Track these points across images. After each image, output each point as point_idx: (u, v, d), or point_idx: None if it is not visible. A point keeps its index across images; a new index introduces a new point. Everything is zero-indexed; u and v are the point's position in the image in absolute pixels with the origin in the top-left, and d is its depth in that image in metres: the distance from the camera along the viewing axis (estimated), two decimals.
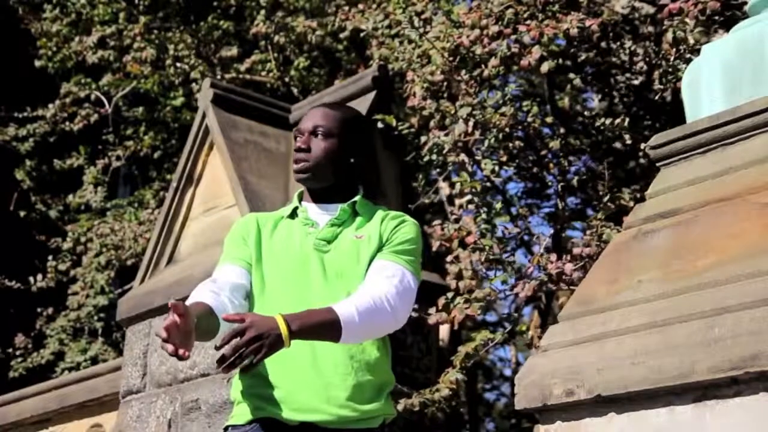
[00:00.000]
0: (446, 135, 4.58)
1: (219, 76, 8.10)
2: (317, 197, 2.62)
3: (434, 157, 4.66)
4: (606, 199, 4.56)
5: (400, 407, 4.13)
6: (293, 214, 2.64)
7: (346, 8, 7.16)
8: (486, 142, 4.56)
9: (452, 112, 4.58)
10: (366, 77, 5.15)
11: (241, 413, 2.49)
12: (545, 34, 4.40)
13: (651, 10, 5.55)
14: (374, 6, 6.23)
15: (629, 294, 2.75)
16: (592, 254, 4.15)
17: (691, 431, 2.43)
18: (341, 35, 7.66)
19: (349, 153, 2.61)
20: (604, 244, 4.12)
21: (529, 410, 2.76)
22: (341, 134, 2.60)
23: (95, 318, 8.55)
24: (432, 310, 4.28)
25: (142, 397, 5.14)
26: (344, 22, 6.77)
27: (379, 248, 2.54)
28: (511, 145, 4.64)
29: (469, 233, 4.36)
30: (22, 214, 9.69)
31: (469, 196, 4.92)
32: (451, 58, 4.60)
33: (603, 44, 5.39)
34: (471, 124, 4.46)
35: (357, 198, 2.61)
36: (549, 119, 4.73)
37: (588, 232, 4.38)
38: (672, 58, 4.47)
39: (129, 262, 8.04)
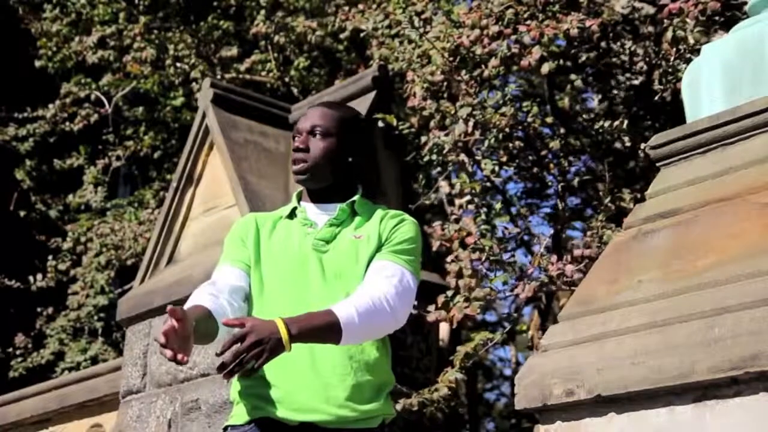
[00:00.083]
0: (446, 135, 4.58)
1: (219, 76, 8.10)
2: (316, 197, 2.62)
3: (434, 157, 4.66)
4: (607, 200, 4.56)
5: (399, 407, 4.13)
6: (292, 215, 2.63)
7: (346, 8, 7.16)
8: (486, 142, 4.56)
9: (452, 112, 4.58)
10: (366, 77, 5.15)
11: (241, 413, 2.49)
12: (545, 35, 4.40)
13: (651, 10, 5.55)
14: (374, 6, 6.23)
15: (629, 294, 2.75)
16: (592, 255, 4.15)
17: (691, 431, 2.43)
18: (341, 35, 7.66)
19: (348, 152, 2.60)
20: (604, 245, 4.12)
21: (529, 410, 2.76)
22: (339, 134, 2.59)
23: (95, 318, 8.55)
24: (431, 308, 4.28)
25: (142, 397, 5.14)
26: (344, 22, 6.77)
27: (379, 248, 2.54)
28: (511, 145, 4.64)
29: (469, 234, 4.36)
30: (22, 214, 9.70)
31: (469, 197, 4.92)
32: (451, 58, 4.60)
33: (603, 44, 5.39)
34: (471, 124, 4.46)
35: (356, 198, 2.61)
36: (549, 119, 4.74)
37: (588, 233, 4.38)
38: (672, 58, 4.47)
39: (129, 262, 8.04)
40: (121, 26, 8.73)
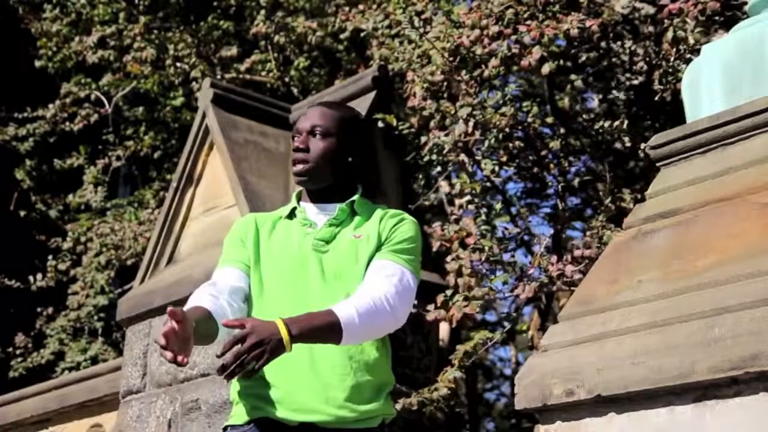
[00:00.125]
0: (446, 135, 4.58)
1: (219, 76, 8.10)
2: (316, 197, 2.62)
3: (434, 157, 4.66)
4: (607, 200, 4.56)
5: (398, 407, 4.13)
6: (291, 215, 2.63)
7: (346, 9, 7.16)
8: (486, 142, 4.56)
9: (452, 112, 4.58)
10: (366, 77, 5.15)
11: (240, 413, 2.49)
12: (545, 35, 4.40)
13: (651, 10, 5.55)
14: (374, 6, 6.23)
15: (629, 294, 2.75)
16: (592, 256, 4.15)
17: (691, 431, 2.43)
18: (341, 36, 7.66)
19: (348, 152, 2.60)
20: (604, 245, 4.12)
21: (529, 410, 2.76)
22: (339, 134, 2.59)
23: (95, 318, 8.55)
24: (431, 307, 4.28)
25: (142, 397, 5.14)
26: (344, 22, 6.77)
27: (378, 247, 2.53)
28: (511, 145, 4.64)
29: (469, 234, 4.36)
30: (22, 213, 9.69)
31: (469, 197, 4.92)
32: (451, 59, 4.60)
33: (603, 44, 5.39)
34: (471, 124, 4.46)
35: (355, 197, 2.61)
36: (549, 119, 4.74)
37: (588, 233, 4.38)
38: (672, 59, 4.47)
39: (129, 262, 8.04)
40: (121, 26, 8.72)
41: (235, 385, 2.53)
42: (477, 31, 4.55)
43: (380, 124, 4.76)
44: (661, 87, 4.64)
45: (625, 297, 2.75)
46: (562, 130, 4.92)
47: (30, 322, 8.69)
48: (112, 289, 8.48)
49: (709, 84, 3.10)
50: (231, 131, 5.28)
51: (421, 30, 4.74)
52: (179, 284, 4.95)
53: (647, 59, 5.23)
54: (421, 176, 7.49)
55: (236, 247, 2.60)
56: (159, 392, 5.03)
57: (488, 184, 4.90)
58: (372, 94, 5.05)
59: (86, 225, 8.67)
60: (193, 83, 8.13)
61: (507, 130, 4.51)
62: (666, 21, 4.50)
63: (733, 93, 3.02)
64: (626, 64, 5.48)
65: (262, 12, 8.22)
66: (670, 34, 4.37)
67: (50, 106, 9.06)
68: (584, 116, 5.83)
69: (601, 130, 4.75)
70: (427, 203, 7.36)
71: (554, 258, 4.29)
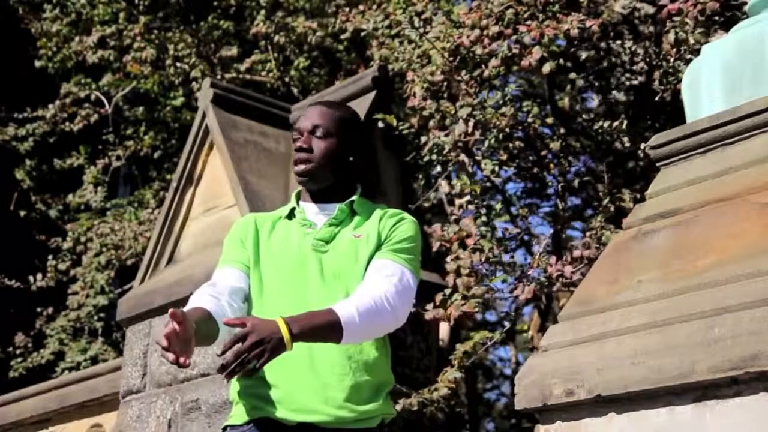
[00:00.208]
0: (446, 135, 4.58)
1: (219, 76, 8.10)
2: (315, 197, 2.62)
3: (434, 157, 4.66)
4: (606, 201, 4.56)
5: (398, 407, 4.13)
6: (291, 215, 2.63)
7: (347, 9, 7.16)
8: (486, 143, 4.56)
9: (452, 112, 4.58)
10: (366, 77, 5.15)
11: (240, 413, 2.49)
12: (546, 35, 4.40)
13: (651, 10, 5.55)
14: (374, 6, 6.23)
15: (629, 294, 2.75)
16: (591, 256, 4.15)
17: (691, 431, 2.43)
18: (342, 36, 7.66)
19: (348, 152, 2.60)
20: (603, 246, 4.12)
21: (529, 410, 2.76)
22: (340, 133, 2.59)
23: (95, 318, 8.55)
24: (429, 306, 4.28)
25: (142, 397, 5.14)
26: (345, 23, 6.77)
27: (378, 247, 2.54)
28: (511, 145, 4.64)
29: (468, 235, 4.36)
30: (22, 213, 9.69)
31: (469, 197, 4.92)
32: (451, 59, 4.60)
33: (603, 45, 5.39)
34: (471, 124, 4.46)
35: (355, 197, 2.61)
36: (549, 120, 4.74)
37: (587, 234, 4.38)
38: (672, 59, 4.47)
39: (129, 262, 8.04)
40: (121, 26, 8.72)
41: (234, 385, 2.53)
42: (477, 31, 4.55)
43: (380, 124, 4.75)
44: (661, 87, 4.64)
45: (625, 297, 2.75)
46: (562, 131, 4.92)
47: (30, 322, 8.69)
48: (112, 289, 8.48)
49: (709, 84, 3.10)
50: (231, 131, 5.28)
51: (421, 30, 4.75)
52: (179, 284, 4.95)
53: (647, 59, 5.23)
54: (421, 176, 7.48)
55: (236, 247, 2.60)
56: (159, 392, 5.03)
57: (488, 184, 4.90)
58: (372, 94, 5.05)
59: (86, 225, 8.67)
60: (193, 83, 8.13)
61: (507, 130, 4.51)
62: (668, 22, 4.50)
63: (733, 93, 3.02)
64: (626, 64, 5.48)
65: (262, 12, 8.22)
66: (671, 35, 4.37)
67: (50, 106, 9.06)
68: (584, 116, 5.83)
69: (600, 131, 4.76)
70: (426, 205, 7.36)
71: (553, 259, 4.29)
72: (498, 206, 4.52)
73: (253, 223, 2.62)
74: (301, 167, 2.57)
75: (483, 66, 4.59)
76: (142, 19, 8.60)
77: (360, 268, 2.51)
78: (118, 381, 5.42)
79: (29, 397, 6.53)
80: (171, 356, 2.15)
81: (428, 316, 4.27)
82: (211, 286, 2.52)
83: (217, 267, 2.61)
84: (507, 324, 6.18)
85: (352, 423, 2.45)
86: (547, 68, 4.48)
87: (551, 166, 4.88)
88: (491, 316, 12.83)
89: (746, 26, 3.14)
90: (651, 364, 2.48)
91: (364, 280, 2.48)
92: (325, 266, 2.51)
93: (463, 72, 4.61)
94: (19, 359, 8.60)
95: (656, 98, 4.67)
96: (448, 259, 4.44)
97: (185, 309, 2.30)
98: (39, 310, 8.69)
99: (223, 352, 2.20)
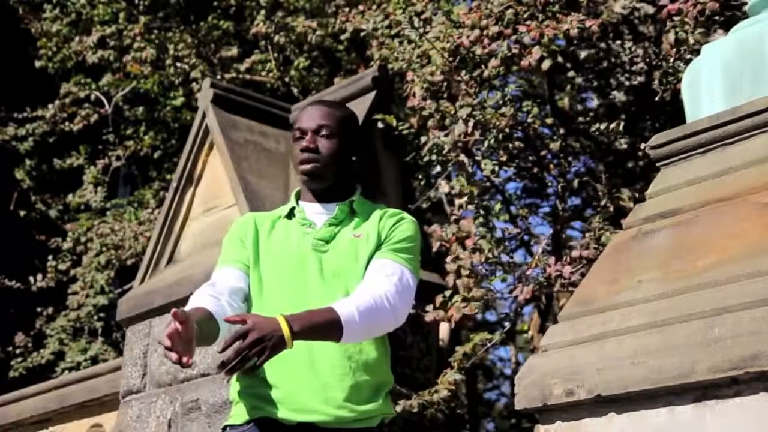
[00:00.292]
0: (446, 135, 4.58)
1: (219, 76, 8.10)
2: (316, 197, 2.62)
3: (434, 157, 4.66)
4: (605, 201, 4.56)
5: (398, 409, 4.13)
6: (290, 214, 2.63)
7: (346, 9, 7.16)
8: (486, 143, 4.56)
9: (452, 112, 4.58)
10: (366, 77, 5.15)
11: (240, 413, 2.49)
12: (545, 35, 4.40)
13: (650, 10, 5.55)
14: (374, 6, 6.23)
15: (629, 294, 2.75)
16: (590, 257, 4.16)
17: (691, 431, 2.43)
18: (342, 36, 7.66)
19: (351, 152, 2.61)
20: (602, 246, 4.12)
21: (529, 410, 2.76)
22: (342, 133, 2.60)
23: (95, 318, 8.55)
24: (429, 308, 4.28)
25: (142, 397, 5.14)
26: (345, 23, 6.77)
27: (378, 246, 2.54)
28: (510, 145, 4.64)
29: (468, 235, 4.36)
30: (22, 213, 9.69)
31: (467, 198, 4.92)
32: (451, 59, 4.60)
33: (603, 45, 5.39)
34: (471, 124, 4.46)
35: (355, 197, 2.61)
36: (549, 120, 4.74)
37: (587, 234, 4.38)
38: (672, 59, 4.47)
39: (129, 262, 8.04)
40: (121, 26, 8.73)
41: (234, 384, 2.53)
42: (477, 32, 4.55)
43: (380, 125, 4.75)
44: (661, 87, 4.64)
45: (625, 297, 2.75)
46: (561, 131, 4.92)
47: (30, 322, 8.69)
48: (112, 289, 8.48)
49: (709, 84, 3.10)
50: (231, 131, 5.28)
51: (421, 30, 4.75)
52: (179, 284, 4.95)
53: (647, 59, 5.23)
54: (421, 176, 7.48)
55: (235, 246, 2.60)
56: (159, 392, 5.03)
57: (488, 184, 4.90)
58: (372, 94, 5.05)
59: (86, 225, 8.67)
60: (193, 83, 8.14)
61: (507, 130, 4.52)
62: (668, 22, 4.50)
63: (733, 93, 3.02)
64: (626, 65, 5.48)
65: (262, 12, 8.22)
66: (671, 35, 4.37)
67: (50, 106, 9.06)
68: (584, 116, 5.83)
69: (598, 132, 4.76)
70: (425, 206, 7.35)
71: (552, 259, 4.29)
72: (498, 206, 4.52)
73: (252, 223, 2.62)
74: (308, 167, 2.56)
75: (483, 66, 4.60)
76: (142, 19, 8.60)
77: (360, 267, 2.51)
78: (118, 381, 5.42)
79: (29, 397, 6.53)
80: (174, 356, 2.15)
81: (428, 317, 4.27)
82: (210, 286, 2.52)
83: (217, 267, 2.61)
84: (507, 324, 6.17)
85: (352, 423, 2.45)
86: (546, 65, 4.47)
87: (551, 166, 4.88)
88: (491, 317, 12.84)
89: (746, 26, 3.14)
90: (651, 364, 2.48)
91: (364, 280, 2.49)
92: (324, 266, 2.51)
93: (463, 72, 4.61)
94: (19, 359, 8.60)
95: (656, 98, 4.67)
96: (448, 259, 4.44)
97: (186, 309, 2.30)
98: (39, 310, 8.69)
99: (224, 349, 2.20)
